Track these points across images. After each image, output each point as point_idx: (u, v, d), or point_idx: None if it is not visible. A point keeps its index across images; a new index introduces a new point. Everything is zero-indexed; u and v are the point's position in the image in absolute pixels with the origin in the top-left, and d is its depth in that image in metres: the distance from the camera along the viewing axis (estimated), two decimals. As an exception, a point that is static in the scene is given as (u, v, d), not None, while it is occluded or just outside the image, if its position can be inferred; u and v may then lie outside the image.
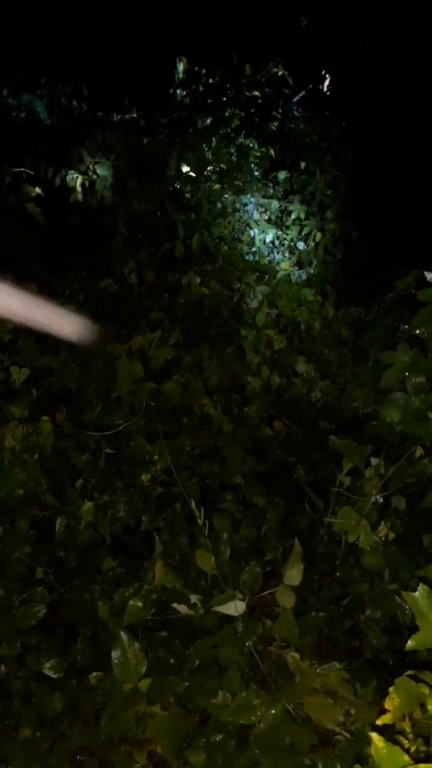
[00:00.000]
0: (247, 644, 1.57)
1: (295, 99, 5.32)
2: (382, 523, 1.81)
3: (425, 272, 2.02)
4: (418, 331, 2.06)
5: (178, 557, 2.22)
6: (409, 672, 0.98)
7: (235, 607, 1.63)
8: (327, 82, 5.58)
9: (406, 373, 2.00)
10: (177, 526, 2.38)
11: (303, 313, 4.14)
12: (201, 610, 1.69)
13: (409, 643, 1.05)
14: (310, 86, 5.56)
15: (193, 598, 1.69)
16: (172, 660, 1.66)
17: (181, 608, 1.67)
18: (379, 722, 0.99)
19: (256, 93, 4.90)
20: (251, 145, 4.84)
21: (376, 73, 5.74)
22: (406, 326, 2.10)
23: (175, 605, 1.67)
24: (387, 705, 0.92)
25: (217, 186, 4.73)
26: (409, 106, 5.65)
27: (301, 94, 5.49)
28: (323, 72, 5.31)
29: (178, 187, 4.39)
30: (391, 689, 0.92)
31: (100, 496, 2.33)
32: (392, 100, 5.62)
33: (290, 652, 1.55)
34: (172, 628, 1.76)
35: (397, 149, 5.69)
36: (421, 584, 1.02)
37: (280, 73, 4.99)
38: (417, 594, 1.01)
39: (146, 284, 3.89)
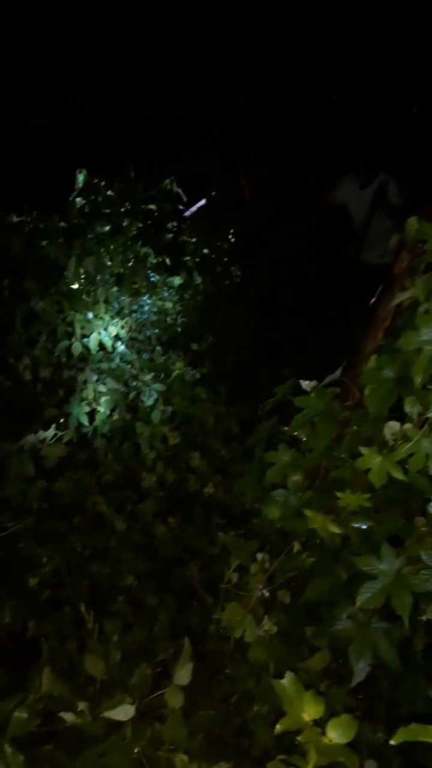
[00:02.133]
0: (136, 750, 1.56)
1: (187, 213, 5.80)
2: (265, 617, 1.90)
3: (301, 381, 2.26)
4: (296, 433, 2.27)
5: (66, 663, 2.16)
6: (280, 756, 1.05)
7: (125, 712, 1.62)
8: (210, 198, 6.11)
9: (287, 473, 2.19)
10: (66, 631, 2.33)
11: (197, 410, 4.32)
12: (89, 718, 1.66)
13: (278, 727, 1.13)
14: (202, 202, 6.09)
15: (81, 705, 1.66)
16: (57, 776, 1.61)
17: (68, 717, 1.63)
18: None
19: (152, 206, 5.30)
20: (148, 252, 5.18)
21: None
22: (286, 428, 2.31)
23: (62, 714, 1.63)
24: None
25: (114, 288, 4.97)
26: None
27: (192, 209, 6.00)
28: (212, 192, 5.85)
29: (77, 288, 4.56)
30: None
31: (-15, 602, 2.25)
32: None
33: (179, 754, 1.55)
34: (59, 738, 1.70)
35: (276, 263, 6.32)
36: (288, 672, 1.12)
37: (174, 190, 5.46)
38: (284, 681, 1.11)
39: (41, 381, 3.93)
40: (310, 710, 1.09)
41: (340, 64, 6.14)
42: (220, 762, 1.66)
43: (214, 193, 5.57)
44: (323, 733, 1.05)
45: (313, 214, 6.62)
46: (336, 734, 1.06)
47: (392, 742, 0.86)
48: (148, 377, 4.06)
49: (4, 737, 1.48)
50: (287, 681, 1.10)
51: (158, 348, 4.87)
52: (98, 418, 3.64)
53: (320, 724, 1.08)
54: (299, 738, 1.08)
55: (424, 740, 0.84)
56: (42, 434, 2.94)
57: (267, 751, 1.86)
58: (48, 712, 1.76)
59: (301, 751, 1.38)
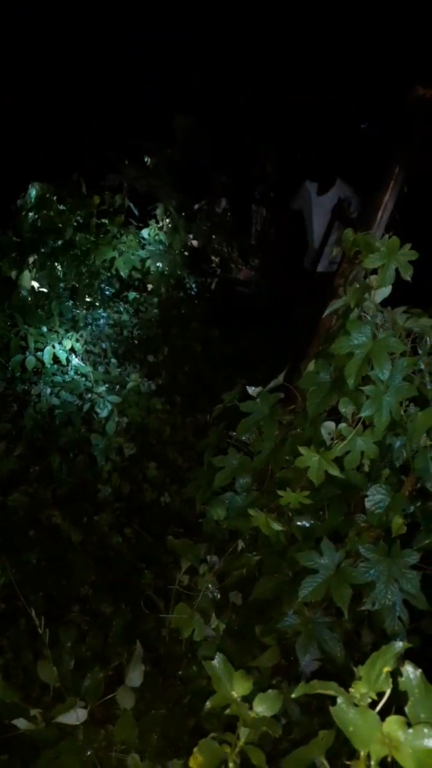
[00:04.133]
0: (88, 752, 1.59)
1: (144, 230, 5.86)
2: (213, 615, 1.95)
3: (247, 386, 2.33)
4: (244, 437, 2.34)
5: (21, 674, 2.17)
6: (212, 734, 1.10)
7: (77, 716, 1.65)
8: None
9: (235, 475, 2.26)
10: (21, 643, 2.33)
11: (153, 421, 4.36)
12: (42, 724, 1.68)
13: (207, 705, 1.19)
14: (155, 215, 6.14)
15: (34, 712, 1.68)
16: (11, 784, 1.62)
17: (21, 723, 1.65)
18: (185, 782, 1.09)
19: (105, 220, 5.35)
20: (101, 266, 5.22)
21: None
22: (233, 433, 2.38)
23: (15, 721, 1.65)
24: (191, 763, 1.02)
25: (69, 302, 4.99)
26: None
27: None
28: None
29: (30, 302, 4.56)
30: (195, 749, 1.03)
31: None
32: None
33: (131, 754, 1.59)
34: (13, 746, 1.71)
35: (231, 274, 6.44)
36: (218, 653, 1.17)
37: (126, 205, 5.53)
38: (214, 662, 1.16)
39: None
40: (238, 688, 1.15)
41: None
42: (173, 760, 1.70)
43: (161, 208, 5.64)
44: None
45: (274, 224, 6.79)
46: (262, 707, 1.12)
47: (293, 696, 0.93)
48: (102, 389, 4.08)
49: None
50: (217, 660, 1.16)
51: (113, 360, 4.90)
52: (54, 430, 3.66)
53: (249, 701, 1.14)
54: (227, 711, 1.13)
55: (324, 693, 0.91)
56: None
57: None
58: (1, 721, 1.77)
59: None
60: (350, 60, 5.71)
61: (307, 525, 1.90)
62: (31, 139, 6.56)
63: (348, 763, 0.89)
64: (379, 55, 5.48)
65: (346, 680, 2.23)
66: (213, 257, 6.49)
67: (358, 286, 1.96)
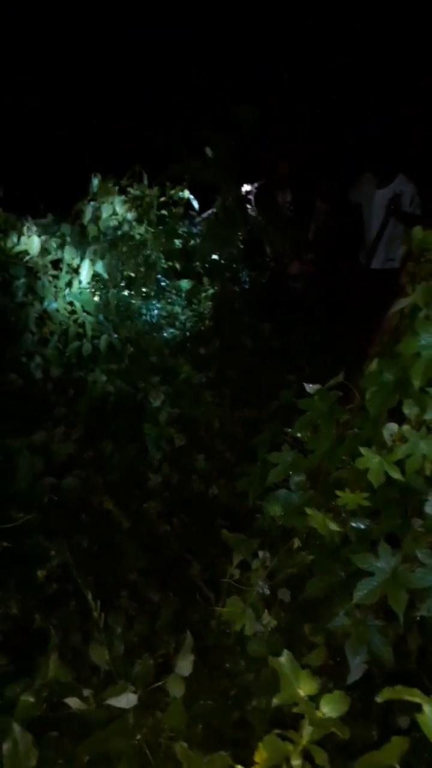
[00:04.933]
0: (137, 736, 1.62)
1: (197, 220, 5.88)
2: (266, 612, 1.95)
3: (305, 384, 2.31)
4: (299, 435, 2.33)
5: (70, 655, 2.22)
6: (276, 731, 1.10)
7: (127, 700, 1.68)
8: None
9: (290, 472, 2.25)
10: (70, 624, 2.39)
11: (202, 413, 4.37)
12: (93, 705, 1.72)
13: (274, 701, 1.19)
14: (212, 210, 6.15)
15: (86, 692, 1.72)
16: (60, 761, 1.66)
17: (74, 702, 1.69)
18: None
19: (164, 212, 5.38)
20: (158, 257, 5.26)
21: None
22: (289, 430, 2.37)
23: (68, 700, 1.69)
24: (256, 758, 1.03)
25: (125, 292, 5.05)
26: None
27: (204, 215, 6.08)
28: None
29: (89, 290, 4.64)
30: (260, 743, 1.04)
31: (-7, 593, 2.31)
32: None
33: (179, 741, 1.60)
34: (62, 724, 1.76)
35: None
36: (285, 650, 1.17)
37: (186, 197, 5.55)
38: (281, 659, 1.16)
39: (52, 380, 4.01)
40: (305, 687, 1.15)
41: (341, 64, 6.22)
42: (218, 752, 1.71)
43: (221, 200, 5.63)
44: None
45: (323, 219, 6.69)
46: (328, 708, 1.12)
47: (378, 700, 0.92)
48: (156, 379, 4.12)
49: (12, 719, 1.54)
50: (284, 658, 1.16)
51: (166, 351, 4.93)
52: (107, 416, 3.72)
53: (314, 701, 1.13)
54: (294, 710, 1.13)
55: (410, 700, 0.90)
56: (51, 431, 3.01)
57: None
58: (52, 699, 1.82)
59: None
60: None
61: (363, 527, 1.87)
62: (93, 129, 6.68)
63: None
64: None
65: (393, 684, 2.19)
66: (267, 250, 6.44)
67: (426, 285, 1.91)
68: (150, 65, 7.05)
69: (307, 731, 1.08)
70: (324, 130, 6.65)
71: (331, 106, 6.43)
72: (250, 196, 6.27)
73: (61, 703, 1.79)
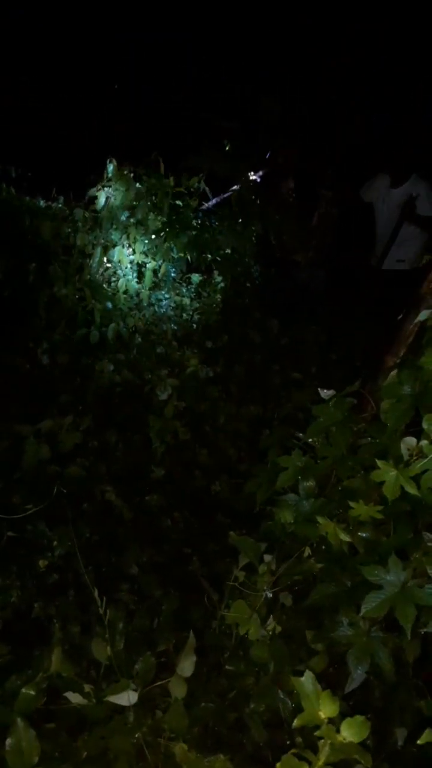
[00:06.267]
0: (137, 735, 1.61)
1: (206, 206, 5.81)
2: (271, 617, 1.94)
3: (319, 389, 2.30)
4: (311, 440, 2.31)
5: (68, 646, 2.22)
6: (293, 750, 1.09)
7: (128, 697, 1.68)
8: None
9: (299, 477, 2.23)
10: (69, 615, 2.38)
11: (208, 408, 4.35)
12: (93, 700, 1.72)
13: (295, 722, 1.18)
14: (222, 196, 6.09)
15: (87, 688, 1.72)
16: (56, 753, 1.66)
17: (74, 697, 1.68)
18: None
19: (179, 202, 5.34)
20: (170, 247, 5.22)
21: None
22: (301, 434, 2.36)
23: (68, 694, 1.69)
24: None
25: (135, 281, 5.02)
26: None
27: (213, 201, 6.00)
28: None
29: (99, 277, 4.61)
30: (278, 764, 1.03)
31: (-6, 580, 2.30)
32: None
33: (178, 743, 1.60)
34: (60, 718, 1.75)
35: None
36: (307, 670, 1.17)
37: (201, 188, 5.50)
38: (303, 679, 1.15)
39: (59, 367, 3.98)
40: (326, 708, 1.14)
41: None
42: (216, 754, 1.71)
43: (235, 190, 5.57)
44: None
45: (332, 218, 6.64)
46: (349, 733, 1.11)
47: (419, 742, 0.91)
48: (164, 372, 4.10)
49: (13, 712, 1.53)
50: (306, 678, 1.15)
51: (174, 343, 4.91)
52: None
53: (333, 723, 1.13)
54: (317, 733, 1.12)
55: None
56: (60, 420, 2.99)
57: (260, 747, 1.92)
58: (51, 691, 1.81)
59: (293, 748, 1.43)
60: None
61: (373, 539, 1.86)
62: (112, 115, 6.62)
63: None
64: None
65: (389, 694, 2.19)
66: (272, 240, 6.36)
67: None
68: (166, 55, 7.00)
69: (324, 752, 1.07)
70: (326, 124, 6.60)
71: (331, 104, 6.39)
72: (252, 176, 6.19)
73: (59, 695, 1.79)
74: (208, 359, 5.02)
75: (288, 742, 1.85)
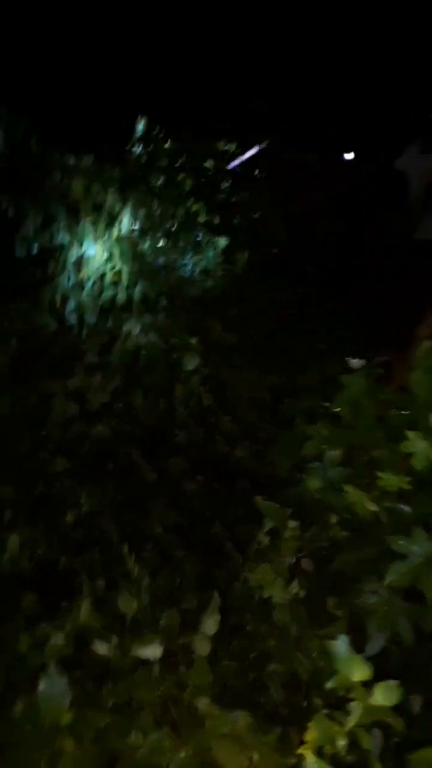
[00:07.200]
0: (161, 688, 1.66)
1: (232, 166, 5.70)
2: (295, 581, 1.97)
3: (348, 359, 2.28)
4: (337, 409, 2.31)
5: (93, 599, 2.27)
6: (324, 711, 1.12)
7: (153, 651, 1.73)
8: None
9: (325, 446, 2.23)
10: (95, 570, 2.43)
11: (231, 375, 4.35)
12: (119, 652, 1.77)
13: (330, 683, 1.21)
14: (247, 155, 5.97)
15: (114, 640, 1.77)
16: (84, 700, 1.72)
17: (102, 648, 1.74)
18: (298, 752, 1.13)
19: (208, 164, 5.24)
20: (199, 210, 5.15)
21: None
22: (328, 404, 2.35)
23: (96, 646, 1.74)
24: (306, 737, 1.05)
25: (162, 243, 4.96)
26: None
27: (237, 162, 5.88)
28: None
29: (127, 238, 4.56)
30: (310, 724, 1.06)
31: (23, 531, 2.36)
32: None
33: (202, 698, 1.65)
34: (88, 667, 1.81)
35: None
36: (341, 635, 1.19)
37: (231, 150, 5.40)
38: (338, 642, 1.18)
39: (86, 327, 3.99)
40: (358, 672, 1.17)
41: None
42: (235, 711, 1.76)
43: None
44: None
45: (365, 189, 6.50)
46: (382, 697, 1.14)
47: None
48: (193, 340, 4.07)
49: (44, 658, 1.59)
50: (340, 642, 1.17)
51: (198, 308, 4.88)
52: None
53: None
54: (349, 695, 1.15)
55: None
56: (88, 379, 3.01)
57: (277, 707, 1.97)
58: (78, 642, 1.87)
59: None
60: None
61: (404, 509, 1.86)
62: (146, 77, 6.48)
63: None
64: None
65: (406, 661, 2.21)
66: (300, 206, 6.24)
67: None
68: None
69: (354, 715, 1.10)
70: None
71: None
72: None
73: (86, 645, 1.84)
74: (230, 326, 5.00)
75: (305, 703, 1.90)
